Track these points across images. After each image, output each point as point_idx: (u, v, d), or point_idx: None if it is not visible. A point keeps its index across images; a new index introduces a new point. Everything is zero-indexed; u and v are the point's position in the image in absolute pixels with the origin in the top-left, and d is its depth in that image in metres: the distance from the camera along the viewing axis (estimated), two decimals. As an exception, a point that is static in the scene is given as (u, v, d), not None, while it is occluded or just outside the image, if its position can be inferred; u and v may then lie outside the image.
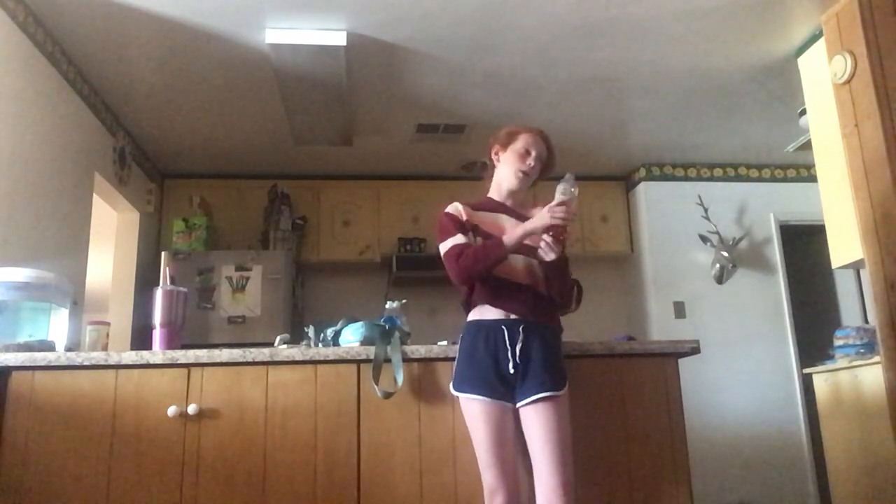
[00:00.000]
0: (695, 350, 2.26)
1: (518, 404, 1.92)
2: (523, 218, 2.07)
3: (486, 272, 1.99)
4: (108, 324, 2.49)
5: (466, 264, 1.97)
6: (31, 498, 1.99)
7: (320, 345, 2.36)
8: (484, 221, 2.09)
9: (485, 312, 2.02)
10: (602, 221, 5.34)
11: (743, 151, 5.07)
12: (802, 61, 3.57)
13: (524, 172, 2.09)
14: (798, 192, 5.18)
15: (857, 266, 3.25)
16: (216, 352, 2.13)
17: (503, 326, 1.97)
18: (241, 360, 2.13)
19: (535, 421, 1.88)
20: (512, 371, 1.93)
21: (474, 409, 1.94)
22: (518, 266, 2.03)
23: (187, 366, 2.12)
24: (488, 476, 1.89)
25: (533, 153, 2.10)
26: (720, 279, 4.96)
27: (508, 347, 1.94)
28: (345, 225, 5.13)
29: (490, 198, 2.17)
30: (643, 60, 3.69)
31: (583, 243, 5.25)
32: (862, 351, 3.39)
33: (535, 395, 1.89)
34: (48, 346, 2.21)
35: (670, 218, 5.13)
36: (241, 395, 2.11)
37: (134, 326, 4.40)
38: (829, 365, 3.57)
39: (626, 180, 5.48)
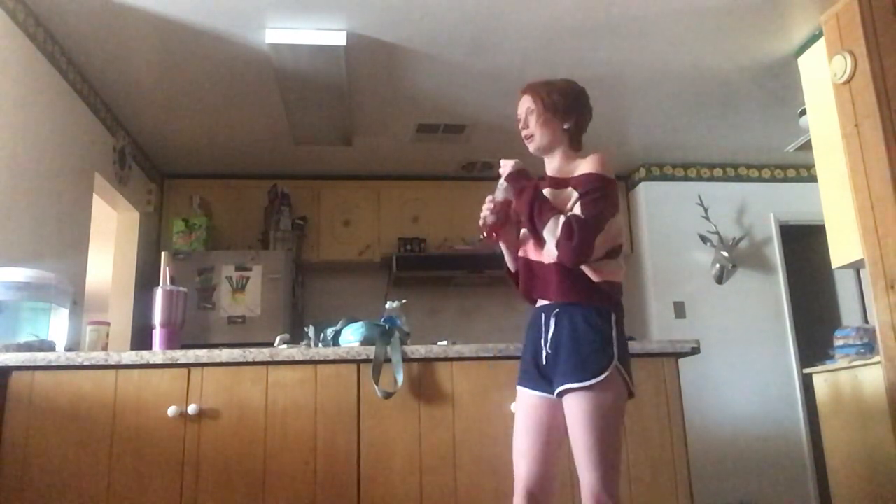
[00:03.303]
0: (695, 350, 2.26)
1: (555, 396, 1.82)
2: (559, 183, 1.92)
3: (523, 290, 1.97)
4: (108, 324, 2.49)
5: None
6: (31, 497, 1.99)
7: (320, 345, 2.36)
8: None
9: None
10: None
11: (743, 151, 5.07)
12: (802, 61, 3.57)
13: (525, 137, 1.99)
14: (798, 192, 5.18)
15: (857, 266, 3.25)
16: (216, 352, 2.14)
17: (542, 313, 1.88)
18: (241, 360, 2.13)
19: (567, 417, 1.77)
20: (545, 361, 1.84)
21: (517, 400, 1.90)
22: (531, 244, 1.93)
23: (187, 366, 2.12)
24: (514, 463, 1.85)
25: (522, 116, 1.99)
26: (720, 279, 4.96)
27: (543, 336, 1.85)
28: (345, 225, 5.13)
29: (546, 173, 2.02)
30: (643, 60, 3.70)
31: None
32: (862, 351, 3.39)
33: (559, 387, 1.78)
34: (48, 346, 2.22)
35: (670, 218, 5.13)
36: (241, 395, 2.11)
37: (134, 326, 4.40)
38: (829, 365, 3.57)
39: (626, 180, 5.47)
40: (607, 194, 1.81)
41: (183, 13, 3.17)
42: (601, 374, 1.73)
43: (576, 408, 1.74)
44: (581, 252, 1.75)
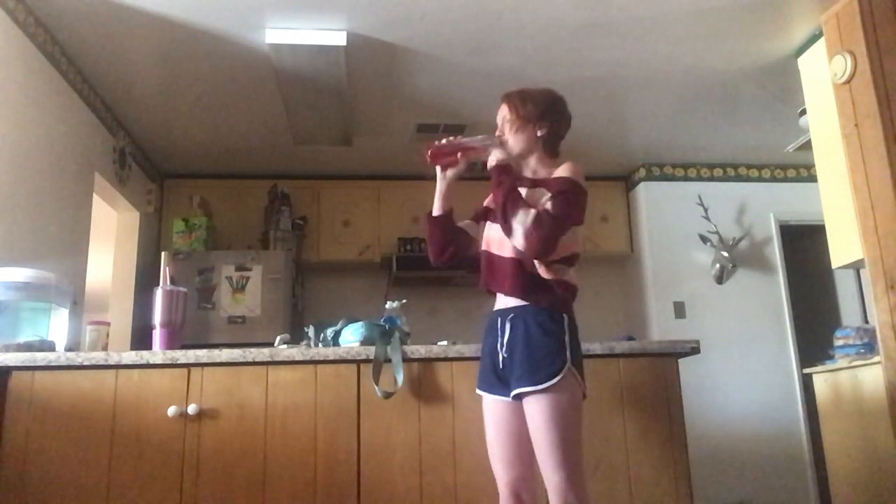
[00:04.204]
0: (695, 350, 2.26)
1: (511, 400, 1.86)
2: (535, 184, 1.97)
3: (433, 243, 2.10)
4: (108, 324, 2.49)
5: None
6: (31, 498, 1.99)
7: (320, 345, 2.36)
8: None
9: (495, 301, 1.98)
10: (602, 221, 5.34)
11: (743, 151, 5.07)
12: (802, 61, 3.57)
13: (501, 143, 2.03)
14: (798, 192, 5.18)
15: (857, 266, 3.25)
16: (216, 352, 2.13)
17: (499, 317, 1.92)
18: (241, 360, 2.13)
19: (527, 420, 1.81)
20: (502, 366, 1.88)
21: (483, 406, 1.94)
22: (496, 237, 1.96)
23: (187, 366, 2.12)
24: (493, 469, 1.88)
25: (499, 123, 2.05)
26: (720, 279, 4.96)
27: (499, 340, 1.90)
28: (345, 225, 5.13)
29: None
30: (643, 60, 3.69)
31: (583, 243, 5.25)
32: (862, 351, 3.39)
33: (514, 390, 1.81)
34: (48, 346, 2.22)
35: (670, 218, 5.13)
36: (241, 395, 2.11)
37: (134, 326, 4.40)
38: (829, 365, 3.57)
39: (626, 180, 5.47)
40: (578, 200, 1.88)
41: (183, 13, 3.17)
42: (555, 377, 1.78)
43: (533, 411, 1.78)
44: (546, 245, 1.81)
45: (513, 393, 1.82)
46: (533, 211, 1.81)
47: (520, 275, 1.89)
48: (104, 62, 3.57)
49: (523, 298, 1.89)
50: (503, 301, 1.94)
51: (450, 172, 2.06)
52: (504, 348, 1.88)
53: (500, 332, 1.90)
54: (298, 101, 3.90)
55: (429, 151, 2.01)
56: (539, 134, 1.99)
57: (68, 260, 3.51)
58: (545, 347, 1.82)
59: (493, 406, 1.90)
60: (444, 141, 2.02)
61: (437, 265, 2.07)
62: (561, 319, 1.87)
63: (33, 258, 3.07)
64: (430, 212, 2.09)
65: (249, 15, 3.20)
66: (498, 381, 1.89)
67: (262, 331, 4.28)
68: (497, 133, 2.04)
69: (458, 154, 2.02)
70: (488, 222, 2.05)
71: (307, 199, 5.12)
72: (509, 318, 1.89)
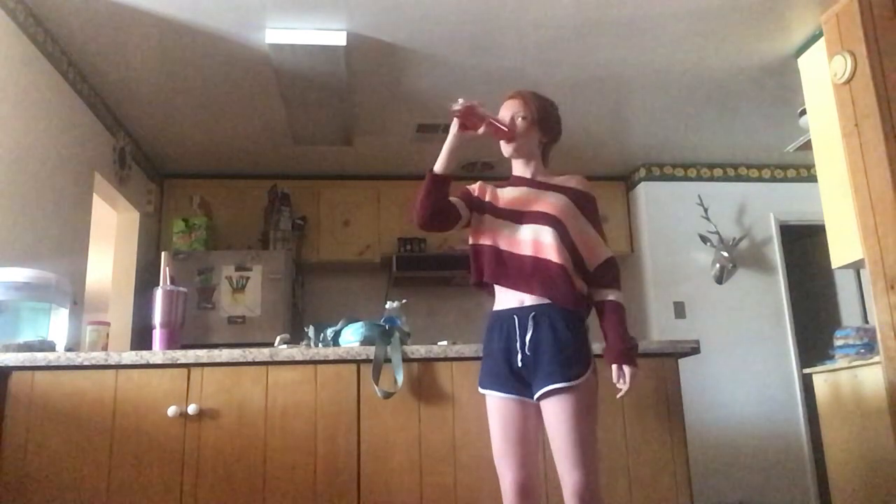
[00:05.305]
0: (695, 350, 2.26)
1: (535, 399, 1.86)
2: (548, 187, 2.01)
3: (429, 204, 1.92)
4: (108, 324, 2.49)
5: (414, 202, 1.97)
6: (31, 497, 1.99)
7: (320, 345, 2.36)
8: (503, 198, 2.05)
9: (500, 300, 1.96)
10: (602, 221, 5.33)
11: (743, 151, 5.07)
12: (802, 61, 3.57)
13: (506, 138, 2.03)
14: (798, 192, 5.18)
15: (857, 266, 3.25)
16: (216, 352, 2.14)
17: (515, 316, 1.90)
18: (241, 360, 2.13)
19: (548, 418, 1.81)
20: (521, 364, 1.86)
21: (490, 405, 1.92)
22: (523, 237, 1.96)
23: (187, 366, 2.12)
24: (499, 470, 1.87)
25: (508, 118, 2.03)
26: (720, 279, 4.96)
27: (518, 339, 1.88)
28: (345, 225, 5.13)
29: (515, 175, 2.10)
30: (643, 60, 3.69)
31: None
32: (862, 351, 3.39)
33: (542, 388, 1.81)
34: (48, 346, 2.22)
35: (670, 218, 5.13)
36: (241, 395, 2.11)
37: (134, 326, 4.40)
38: (829, 365, 3.57)
39: (626, 180, 5.47)
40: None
41: (183, 13, 3.17)
42: (583, 374, 1.83)
43: (559, 408, 1.79)
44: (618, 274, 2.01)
45: (539, 392, 1.82)
46: (615, 298, 1.96)
47: (543, 272, 1.90)
48: (104, 62, 3.57)
49: (548, 296, 1.89)
50: (518, 298, 1.92)
51: (467, 134, 1.97)
52: (526, 347, 1.86)
53: (518, 331, 1.89)
54: (298, 101, 3.90)
55: (462, 106, 1.90)
56: (544, 140, 2.08)
57: (68, 260, 3.51)
58: (574, 345, 1.86)
59: (504, 405, 1.88)
60: (479, 105, 1.95)
61: (420, 226, 1.99)
62: (582, 320, 1.92)
63: (33, 258, 3.07)
64: (432, 169, 1.95)
65: (249, 15, 3.20)
66: (515, 380, 1.87)
67: (262, 331, 4.28)
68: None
69: (484, 123, 1.96)
70: (488, 216, 2.03)
71: (307, 199, 5.12)
72: (531, 316, 1.88)
